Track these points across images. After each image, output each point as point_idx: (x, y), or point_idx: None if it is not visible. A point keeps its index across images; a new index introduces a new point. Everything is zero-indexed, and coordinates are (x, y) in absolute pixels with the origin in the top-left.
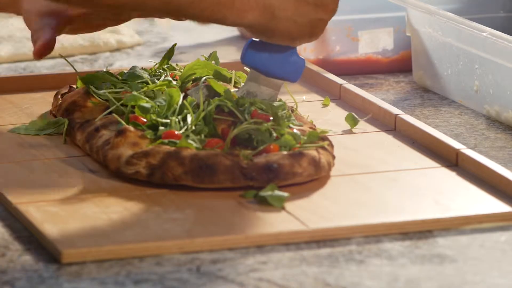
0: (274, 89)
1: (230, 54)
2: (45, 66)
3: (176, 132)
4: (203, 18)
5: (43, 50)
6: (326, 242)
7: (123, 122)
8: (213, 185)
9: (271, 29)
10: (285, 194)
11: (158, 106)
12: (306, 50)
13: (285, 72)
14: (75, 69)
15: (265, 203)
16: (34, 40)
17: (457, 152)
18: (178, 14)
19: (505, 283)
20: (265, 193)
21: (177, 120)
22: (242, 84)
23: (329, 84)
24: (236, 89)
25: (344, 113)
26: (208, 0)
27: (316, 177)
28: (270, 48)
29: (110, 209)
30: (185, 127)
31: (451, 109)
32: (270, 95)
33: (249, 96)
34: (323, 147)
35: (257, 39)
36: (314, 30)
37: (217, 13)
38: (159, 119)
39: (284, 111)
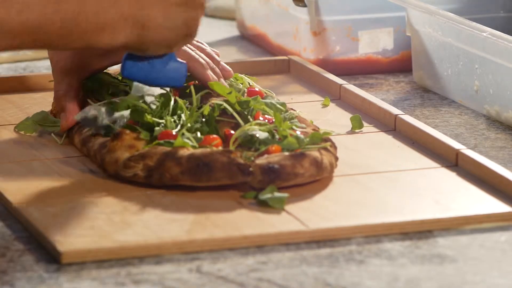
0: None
1: (231, 54)
2: (45, 66)
3: (173, 132)
4: (74, 47)
5: (71, 123)
6: (326, 242)
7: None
8: (210, 183)
9: (146, 43)
10: (285, 195)
11: (153, 106)
12: (306, 50)
13: (168, 79)
14: None
15: (265, 205)
16: (58, 111)
17: (457, 152)
18: (49, 48)
19: (505, 283)
20: (265, 195)
21: (172, 119)
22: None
23: (329, 84)
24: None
25: (344, 113)
26: (76, 32)
27: (318, 178)
28: (148, 58)
29: (110, 209)
30: (180, 126)
31: (451, 109)
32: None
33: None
34: (325, 148)
35: None
36: (188, 31)
37: (88, 41)
38: (154, 119)
39: (288, 113)
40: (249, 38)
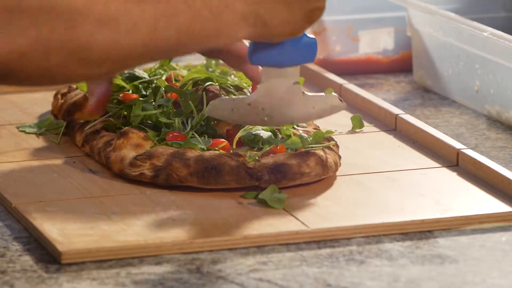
0: (292, 77)
1: None
2: None
3: (181, 133)
4: (193, 52)
5: (95, 109)
6: (326, 242)
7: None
8: (218, 186)
9: (268, 35)
10: (285, 195)
11: (160, 107)
12: None
13: (296, 58)
14: None
15: (265, 205)
16: (88, 93)
17: (458, 152)
18: (161, 59)
19: (505, 283)
20: (265, 195)
21: (180, 121)
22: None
23: (329, 84)
24: (244, 96)
25: (345, 113)
26: (191, 42)
27: (324, 177)
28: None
29: (110, 209)
30: (189, 128)
31: (452, 109)
32: (289, 83)
33: (269, 92)
34: (329, 147)
35: None
36: (311, 19)
37: (207, 44)
38: (162, 120)
39: None
40: None
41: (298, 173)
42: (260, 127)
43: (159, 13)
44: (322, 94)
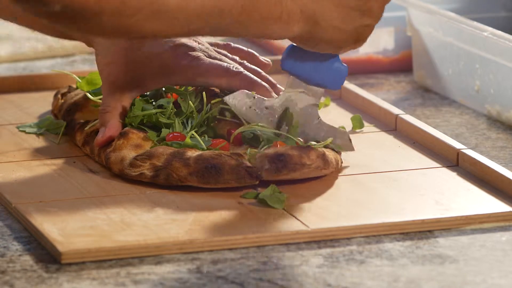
0: (314, 97)
1: None
2: (45, 66)
3: (181, 133)
4: (249, 35)
5: (106, 142)
6: (326, 242)
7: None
8: (218, 185)
9: (316, 38)
10: (285, 195)
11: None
12: None
13: (326, 79)
14: (77, 80)
15: (265, 205)
16: (100, 123)
17: (458, 152)
18: (223, 35)
19: (506, 283)
20: (265, 195)
21: (180, 121)
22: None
23: None
24: (275, 97)
25: (345, 113)
26: (254, 18)
27: (324, 171)
28: (312, 55)
29: (110, 209)
30: (189, 128)
31: (452, 109)
32: (310, 102)
33: (288, 103)
34: (328, 147)
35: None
36: (359, 37)
37: (264, 29)
38: (162, 120)
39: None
40: (249, 38)
41: (299, 163)
42: (260, 128)
43: None
44: (336, 127)
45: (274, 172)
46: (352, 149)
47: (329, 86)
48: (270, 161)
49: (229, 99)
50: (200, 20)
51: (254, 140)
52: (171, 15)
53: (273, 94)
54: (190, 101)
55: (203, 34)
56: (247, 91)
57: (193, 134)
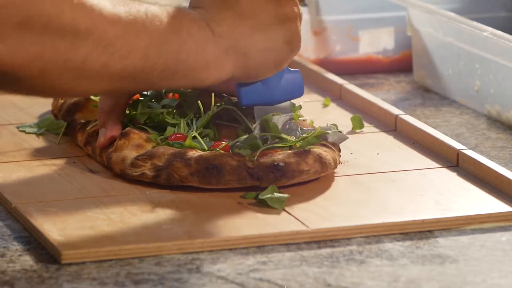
0: (285, 112)
1: None
2: None
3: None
4: (179, 87)
5: (107, 143)
6: (326, 242)
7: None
8: (219, 186)
9: (253, 70)
10: (285, 195)
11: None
12: (307, 50)
13: (285, 94)
14: None
15: (265, 205)
16: (99, 125)
17: (458, 153)
18: (151, 89)
19: (506, 283)
20: (265, 195)
21: (185, 122)
22: (254, 124)
23: (329, 84)
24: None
25: (345, 113)
26: (179, 72)
27: (323, 174)
28: (261, 80)
29: (110, 209)
30: (192, 129)
31: (452, 109)
32: (285, 119)
33: (267, 130)
34: (326, 145)
35: None
36: (292, 45)
37: (194, 79)
38: (168, 120)
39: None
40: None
41: (297, 171)
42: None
43: (152, 42)
44: (316, 126)
45: (273, 181)
46: (345, 137)
47: (292, 97)
48: (268, 171)
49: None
50: (124, 80)
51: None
52: (94, 77)
53: None
54: (199, 101)
55: (130, 90)
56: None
57: (195, 136)
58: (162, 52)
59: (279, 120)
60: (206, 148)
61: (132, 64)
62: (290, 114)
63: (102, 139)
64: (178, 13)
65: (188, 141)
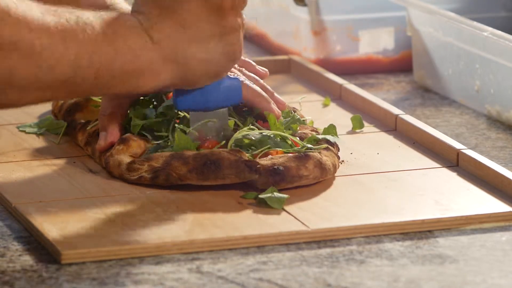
0: (220, 118)
1: None
2: None
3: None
4: (114, 93)
5: (107, 148)
6: (326, 242)
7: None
8: (218, 181)
9: (192, 78)
10: (285, 196)
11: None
12: (307, 50)
13: (222, 101)
14: None
15: (265, 205)
16: (100, 128)
17: (458, 153)
18: (86, 96)
19: (506, 283)
20: (265, 195)
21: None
22: (189, 130)
23: (329, 84)
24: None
25: (345, 113)
26: (113, 80)
27: (322, 180)
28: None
29: (110, 209)
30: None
31: (452, 109)
32: (219, 127)
33: (201, 136)
34: (327, 149)
35: None
36: (231, 57)
37: (129, 86)
38: (160, 133)
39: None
40: (249, 38)
41: (297, 176)
42: (247, 131)
43: (82, 51)
44: None
45: (271, 185)
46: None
47: (229, 104)
48: (268, 175)
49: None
50: (56, 89)
51: (245, 147)
52: (24, 88)
53: (273, 106)
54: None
55: (61, 99)
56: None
57: (184, 129)
58: (94, 61)
59: (213, 126)
60: (196, 134)
61: (62, 74)
62: (225, 121)
63: (102, 142)
64: (114, 20)
65: (178, 134)
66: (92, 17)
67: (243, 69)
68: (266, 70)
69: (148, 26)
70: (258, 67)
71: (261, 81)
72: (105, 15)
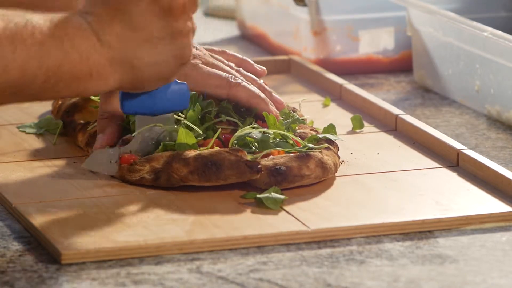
0: (167, 124)
1: None
2: None
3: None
4: (63, 96)
5: (104, 144)
6: (326, 243)
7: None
8: (219, 182)
9: (138, 81)
10: (282, 196)
11: None
12: (307, 50)
13: (169, 105)
14: None
15: (264, 205)
16: (98, 130)
17: (458, 153)
18: (34, 101)
19: (506, 283)
20: (262, 195)
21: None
22: (134, 134)
23: (329, 84)
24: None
25: (345, 113)
26: (61, 83)
27: (323, 179)
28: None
29: (110, 210)
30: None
31: (452, 109)
32: (166, 133)
33: (145, 144)
34: (328, 148)
35: None
36: (181, 60)
37: (77, 89)
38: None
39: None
40: (249, 38)
41: (299, 175)
42: (249, 129)
43: (31, 55)
44: None
45: (273, 185)
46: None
47: (176, 108)
48: (269, 175)
49: (88, 165)
50: (4, 94)
51: (247, 145)
52: None
53: (270, 106)
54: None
55: (5, 103)
56: (101, 149)
57: (186, 124)
58: (42, 64)
59: (160, 131)
60: (201, 132)
61: (11, 79)
62: (171, 126)
63: (98, 146)
64: (63, 22)
65: (181, 130)
66: (42, 20)
67: (241, 69)
68: (264, 68)
69: (97, 27)
70: (256, 65)
71: (260, 81)
72: (56, 17)
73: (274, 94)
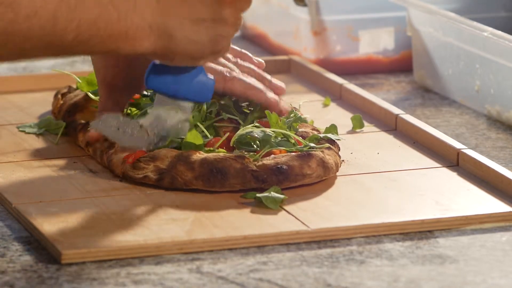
0: (183, 112)
1: None
2: (45, 66)
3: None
4: (94, 53)
5: (96, 138)
6: (326, 243)
7: None
8: (224, 189)
9: (171, 52)
10: (282, 196)
11: None
12: (307, 50)
13: (192, 93)
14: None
15: (264, 205)
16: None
17: (458, 152)
18: (66, 54)
19: (506, 283)
20: (262, 194)
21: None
22: (149, 109)
23: (329, 84)
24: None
25: (345, 113)
26: (95, 39)
27: (324, 178)
28: (174, 70)
29: (110, 209)
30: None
31: (452, 109)
32: (180, 119)
33: (157, 122)
34: (329, 148)
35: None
36: (215, 48)
37: (109, 46)
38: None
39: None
40: (249, 38)
41: (300, 174)
42: (251, 128)
43: (63, 4)
44: None
45: (275, 184)
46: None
47: (196, 99)
48: (271, 174)
49: (95, 124)
50: (32, 41)
51: (248, 144)
52: (0, 35)
53: (268, 95)
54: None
55: (42, 54)
56: (112, 114)
57: (197, 124)
58: (75, 17)
59: (173, 115)
60: (210, 137)
61: (38, 25)
62: (186, 116)
63: (93, 132)
64: None
65: (191, 132)
66: None
67: (238, 59)
68: (262, 61)
69: None
70: (255, 59)
71: (258, 70)
72: None
73: (273, 80)
